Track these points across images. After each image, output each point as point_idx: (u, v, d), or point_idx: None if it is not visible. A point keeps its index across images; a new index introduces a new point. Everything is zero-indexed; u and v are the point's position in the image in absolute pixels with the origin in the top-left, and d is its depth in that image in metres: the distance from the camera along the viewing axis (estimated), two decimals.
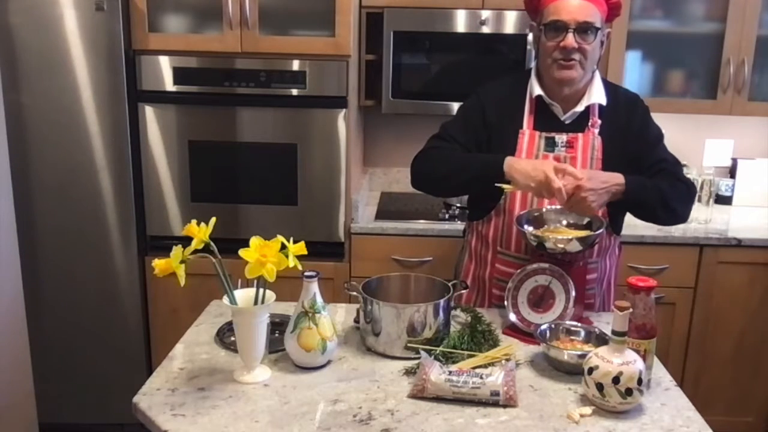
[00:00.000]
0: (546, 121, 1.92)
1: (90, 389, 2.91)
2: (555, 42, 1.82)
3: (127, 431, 2.92)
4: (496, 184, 1.80)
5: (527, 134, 1.92)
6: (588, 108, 1.90)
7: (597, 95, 1.90)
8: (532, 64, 1.96)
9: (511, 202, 1.91)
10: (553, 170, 1.71)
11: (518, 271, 1.77)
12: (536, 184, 1.72)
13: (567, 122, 1.91)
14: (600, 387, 1.39)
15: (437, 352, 1.58)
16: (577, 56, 1.81)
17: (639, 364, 1.40)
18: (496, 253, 1.97)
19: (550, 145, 1.90)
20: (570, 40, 1.79)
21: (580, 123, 1.91)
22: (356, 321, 1.76)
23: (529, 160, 1.84)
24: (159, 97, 2.70)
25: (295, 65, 2.65)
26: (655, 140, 1.95)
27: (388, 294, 1.74)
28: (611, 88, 1.96)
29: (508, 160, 1.81)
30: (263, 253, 1.42)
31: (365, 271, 2.63)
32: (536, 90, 1.91)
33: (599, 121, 1.90)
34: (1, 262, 2.32)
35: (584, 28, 1.80)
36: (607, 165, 1.87)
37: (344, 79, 2.66)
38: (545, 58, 1.87)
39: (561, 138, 1.90)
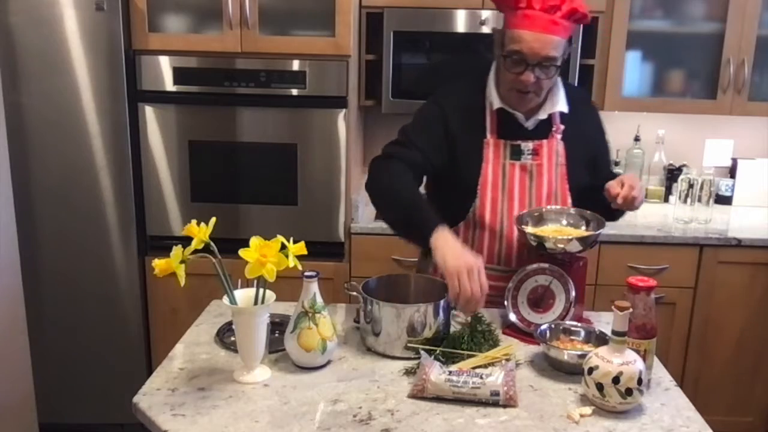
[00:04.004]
0: (509, 128, 1.87)
1: (90, 389, 2.91)
2: (513, 73, 1.76)
3: (127, 431, 2.93)
4: None
5: (492, 143, 1.87)
6: (550, 114, 1.88)
7: (559, 103, 1.86)
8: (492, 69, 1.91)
9: (481, 210, 1.87)
10: (477, 270, 1.59)
11: (518, 271, 1.77)
12: (453, 270, 1.60)
13: (530, 128, 1.88)
14: (600, 387, 1.39)
15: (437, 352, 1.58)
16: (534, 88, 1.78)
17: (639, 364, 1.39)
18: None
19: (516, 153, 1.88)
20: (529, 76, 1.74)
21: (543, 128, 1.88)
22: (356, 321, 1.76)
23: (460, 249, 1.65)
24: (159, 97, 2.70)
25: (295, 65, 2.65)
26: (607, 143, 1.99)
27: (388, 294, 1.73)
28: (566, 90, 1.91)
29: (438, 237, 1.67)
30: (263, 253, 1.41)
31: (365, 271, 2.63)
32: (496, 103, 1.85)
33: (562, 127, 1.88)
34: (1, 262, 2.32)
35: (545, 64, 1.74)
36: (571, 169, 1.88)
37: (344, 79, 2.66)
38: (504, 80, 1.82)
39: (527, 146, 1.88)
